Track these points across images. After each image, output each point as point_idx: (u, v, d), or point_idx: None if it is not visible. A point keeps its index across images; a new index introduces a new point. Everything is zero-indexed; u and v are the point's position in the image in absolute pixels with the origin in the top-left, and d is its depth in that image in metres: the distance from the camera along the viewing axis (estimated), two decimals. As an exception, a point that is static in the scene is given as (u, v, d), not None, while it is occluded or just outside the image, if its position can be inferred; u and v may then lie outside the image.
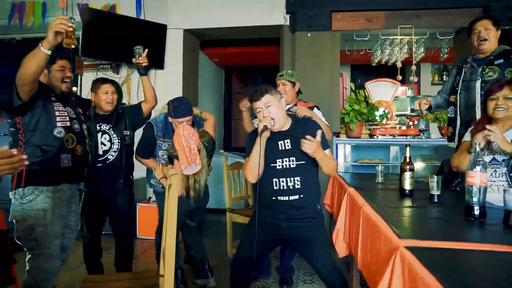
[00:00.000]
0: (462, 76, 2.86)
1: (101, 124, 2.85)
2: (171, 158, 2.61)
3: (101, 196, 2.79)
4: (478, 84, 2.73)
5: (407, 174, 2.29)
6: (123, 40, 4.48)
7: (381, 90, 4.67)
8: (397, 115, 4.68)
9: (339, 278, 2.26)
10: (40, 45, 2.00)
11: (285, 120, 2.29)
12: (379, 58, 5.03)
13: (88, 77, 4.85)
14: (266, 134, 2.19)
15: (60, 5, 4.81)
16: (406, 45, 4.60)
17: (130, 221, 3.10)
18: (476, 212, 1.62)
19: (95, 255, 2.91)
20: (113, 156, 2.83)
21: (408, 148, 2.37)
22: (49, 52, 2.00)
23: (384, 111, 4.42)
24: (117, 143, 2.85)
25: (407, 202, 2.13)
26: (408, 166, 2.30)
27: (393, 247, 1.26)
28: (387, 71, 5.56)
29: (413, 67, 4.35)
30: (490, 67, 2.71)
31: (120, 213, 2.91)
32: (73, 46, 2.06)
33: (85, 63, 4.91)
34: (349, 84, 4.78)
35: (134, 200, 3.98)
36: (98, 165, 2.77)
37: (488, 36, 2.70)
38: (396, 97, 5.97)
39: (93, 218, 2.86)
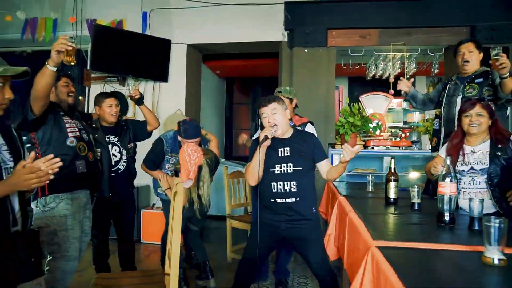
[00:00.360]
0: (446, 91, 3.11)
1: (109, 136, 3.10)
2: (177, 172, 2.86)
3: (113, 202, 3.04)
4: (459, 99, 2.97)
5: (392, 184, 2.52)
6: (130, 55, 4.74)
7: (375, 103, 4.90)
8: (390, 127, 4.90)
9: (330, 275, 2.46)
10: (46, 63, 2.23)
11: (287, 128, 2.52)
12: (373, 73, 5.26)
13: (95, 89, 5.08)
14: (267, 143, 2.41)
15: (70, 20, 5.09)
16: (399, 61, 4.83)
17: (133, 225, 3.35)
18: (446, 218, 1.84)
19: (104, 256, 3.14)
20: (123, 166, 3.11)
21: (392, 160, 2.60)
22: (55, 69, 2.21)
23: (377, 123, 4.64)
24: (125, 154, 3.13)
25: (390, 209, 2.35)
26: (392, 177, 2.53)
27: (367, 247, 1.48)
28: (383, 83, 5.78)
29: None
30: (471, 84, 2.96)
31: (126, 218, 3.19)
32: (73, 64, 2.28)
33: (92, 75, 5.16)
34: (344, 97, 5.01)
35: (139, 206, 4.21)
36: (112, 174, 3.05)
37: (471, 58, 2.95)
38: (392, 108, 6.22)
39: (106, 223, 3.12)
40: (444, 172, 1.87)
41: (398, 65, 4.87)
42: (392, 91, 4.71)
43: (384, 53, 4.84)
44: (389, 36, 4.58)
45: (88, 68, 4.78)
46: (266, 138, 2.38)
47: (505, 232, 1.22)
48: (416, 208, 2.28)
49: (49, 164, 1.55)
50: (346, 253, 2.05)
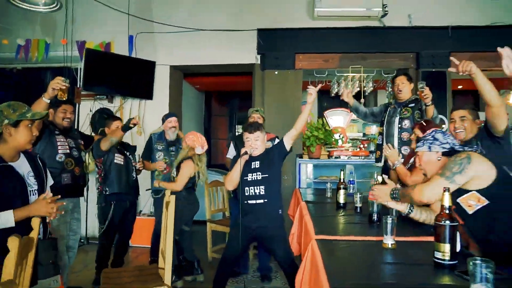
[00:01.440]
0: (387, 113, 3.79)
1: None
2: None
3: (126, 208, 3.72)
4: (397, 120, 3.67)
5: (341, 192, 3.14)
6: (118, 75, 5.25)
7: (337, 118, 5.56)
8: (351, 139, 5.57)
9: (293, 266, 3.03)
10: (42, 96, 2.79)
11: (262, 149, 3.11)
12: (336, 91, 5.92)
13: (85, 106, 5.55)
14: (246, 157, 3.00)
15: (61, 42, 5.54)
16: (358, 81, 5.50)
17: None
18: (374, 218, 2.46)
19: (107, 259, 3.71)
20: (134, 176, 3.77)
21: (342, 172, 3.23)
22: (48, 101, 2.79)
23: (339, 136, 5.30)
24: (134, 166, 3.83)
25: (339, 212, 2.97)
26: (342, 186, 3.15)
27: (310, 240, 2.07)
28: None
29: (362, 100, 5.25)
30: (405, 108, 3.66)
31: (131, 222, 3.88)
32: (64, 98, 2.98)
33: (82, 92, 5.62)
34: (310, 113, 5.63)
35: None
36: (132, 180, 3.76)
37: (403, 88, 3.64)
38: (355, 119, 6.91)
39: (118, 227, 3.72)
40: (375, 184, 2.49)
41: (357, 84, 5.55)
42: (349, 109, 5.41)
43: (345, 74, 5.50)
44: (348, 60, 5.26)
45: (80, 87, 5.27)
46: (246, 153, 2.98)
47: (394, 226, 1.83)
48: (358, 211, 2.90)
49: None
50: (303, 248, 2.65)
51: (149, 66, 5.45)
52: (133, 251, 4.93)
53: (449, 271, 1.49)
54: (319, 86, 3.11)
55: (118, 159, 3.66)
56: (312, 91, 3.00)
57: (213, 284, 3.16)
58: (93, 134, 5.33)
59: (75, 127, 5.54)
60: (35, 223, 1.71)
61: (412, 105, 3.62)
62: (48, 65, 6.05)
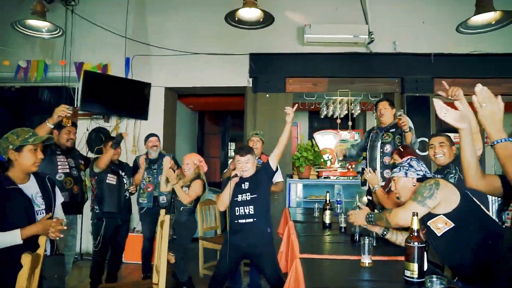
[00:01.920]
0: (369, 138, 4.00)
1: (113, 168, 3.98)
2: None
3: (118, 224, 3.93)
4: (379, 144, 3.88)
5: (327, 212, 3.31)
6: (114, 96, 5.43)
7: (326, 139, 5.76)
8: (340, 160, 5.76)
9: (281, 283, 3.18)
10: (46, 121, 2.98)
11: (252, 171, 3.29)
12: (325, 113, 6.15)
13: (82, 125, 5.70)
14: (236, 179, 3.18)
15: (60, 63, 5.73)
16: (346, 104, 5.74)
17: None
18: (356, 238, 2.64)
19: (100, 274, 3.83)
20: (127, 195, 3.97)
21: (328, 194, 3.41)
22: (52, 126, 3.01)
23: (328, 157, 5.49)
24: (128, 185, 4.02)
25: (324, 232, 3.14)
26: (328, 206, 3.32)
27: (295, 258, 2.24)
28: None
29: (349, 123, 5.48)
30: (387, 133, 3.87)
31: (123, 238, 4.10)
32: (69, 124, 3.39)
33: (80, 112, 5.78)
34: (299, 134, 5.85)
35: None
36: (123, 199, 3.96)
37: (385, 113, 3.87)
38: (345, 140, 7.13)
39: (110, 243, 3.92)
40: (356, 206, 2.68)
41: (345, 107, 5.78)
42: (338, 130, 5.63)
43: (333, 98, 5.74)
44: (336, 84, 5.50)
45: (77, 107, 5.44)
46: (236, 175, 3.16)
47: (371, 246, 2.01)
48: (343, 231, 3.07)
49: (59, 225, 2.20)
50: (289, 265, 2.81)
51: (145, 88, 5.64)
52: (126, 267, 5.03)
53: (417, 288, 1.66)
54: (296, 106, 3.37)
55: (111, 179, 3.91)
56: (290, 111, 3.23)
57: (205, 300, 3.31)
58: (89, 152, 5.49)
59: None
60: (42, 241, 1.87)
61: (393, 130, 3.85)
62: (46, 84, 6.23)
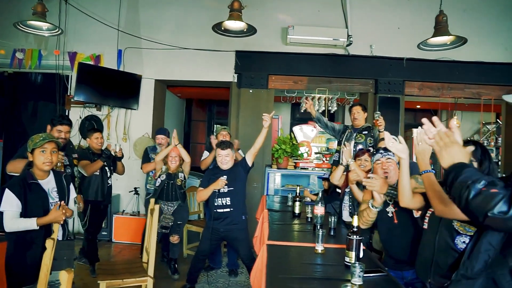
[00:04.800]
0: (345, 135, 4.46)
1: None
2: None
3: (100, 210, 4.32)
4: (352, 143, 4.35)
5: (297, 203, 3.77)
6: (107, 87, 5.77)
7: (304, 132, 6.22)
8: (316, 152, 6.24)
9: (254, 262, 3.67)
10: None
11: (231, 164, 3.73)
12: (304, 108, 6.57)
13: (75, 112, 6.04)
14: (222, 184, 3.61)
15: (54, 53, 6.00)
16: (324, 101, 6.18)
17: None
18: (318, 227, 3.11)
19: (94, 251, 4.35)
20: (110, 181, 4.31)
21: (298, 187, 3.87)
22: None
23: (305, 149, 5.96)
24: (110, 173, 4.31)
25: (293, 220, 3.60)
26: (297, 198, 3.78)
27: (263, 243, 2.70)
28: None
29: (325, 119, 5.91)
30: (360, 134, 4.33)
31: (101, 221, 4.58)
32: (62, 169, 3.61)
33: (72, 100, 6.10)
34: (279, 128, 6.29)
35: (111, 212, 5.40)
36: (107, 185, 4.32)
37: (358, 117, 4.32)
38: (323, 131, 7.60)
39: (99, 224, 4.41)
40: (318, 200, 3.14)
41: (323, 103, 6.22)
42: (315, 124, 6.07)
43: (312, 94, 6.16)
44: (316, 83, 5.93)
45: (71, 95, 5.77)
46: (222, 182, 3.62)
47: (324, 236, 2.48)
48: (309, 221, 3.54)
49: (68, 211, 2.63)
50: (259, 250, 3.27)
51: (135, 79, 5.97)
52: (116, 246, 5.48)
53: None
54: (272, 113, 3.81)
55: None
56: (267, 118, 3.65)
57: (187, 276, 3.81)
58: (81, 139, 5.85)
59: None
60: (56, 227, 2.29)
61: (366, 132, 4.32)
62: (39, 71, 6.51)
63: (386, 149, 2.81)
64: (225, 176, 3.67)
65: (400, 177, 2.28)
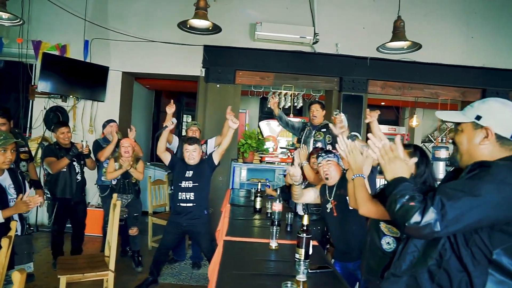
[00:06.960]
0: (304, 132, 4.61)
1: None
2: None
3: (72, 203, 4.30)
4: (311, 140, 4.52)
5: (258, 199, 3.90)
6: (73, 78, 5.70)
7: (271, 127, 6.36)
8: (281, 147, 6.40)
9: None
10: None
11: (198, 159, 3.82)
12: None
13: (39, 102, 5.94)
14: (168, 129, 3.88)
15: (17, 41, 5.86)
16: (290, 97, 6.32)
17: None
18: (275, 223, 3.24)
19: (59, 244, 4.37)
20: (80, 177, 4.30)
21: (259, 183, 4.00)
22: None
23: (270, 144, 6.11)
24: (79, 168, 4.32)
25: (254, 216, 3.73)
26: (258, 194, 3.91)
27: (222, 239, 2.82)
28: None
29: (291, 115, 6.08)
30: (318, 131, 4.49)
31: (82, 217, 4.54)
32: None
33: (37, 90, 5.98)
34: (246, 123, 6.39)
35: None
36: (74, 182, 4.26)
37: (317, 115, 4.48)
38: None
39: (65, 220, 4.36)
40: (276, 196, 3.28)
41: (289, 99, 6.37)
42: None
43: (278, 91, 6.30)
44: (282, 79, 6.05)
45: (35, 85, 5.67)
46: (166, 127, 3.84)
47: (278, 233, 2.62)
48: (269, 216, 3.68)
49: (33, 200, 2.65)
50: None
51: (102, 71, 5.93)
52: (81, 239, 5.48)
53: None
54: (238, 122, 3.86)
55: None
56: (234, 120, 3.74)
57: (150, 269, 3.91)
58: (46, 130, 5.77)
59: (28, 125, 5.97)
60: (13, 225, 2.32)
61: (324, 130, 4.48)
62: (1, 58, 6.35)
63: (327, 151, 3.00)
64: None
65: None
